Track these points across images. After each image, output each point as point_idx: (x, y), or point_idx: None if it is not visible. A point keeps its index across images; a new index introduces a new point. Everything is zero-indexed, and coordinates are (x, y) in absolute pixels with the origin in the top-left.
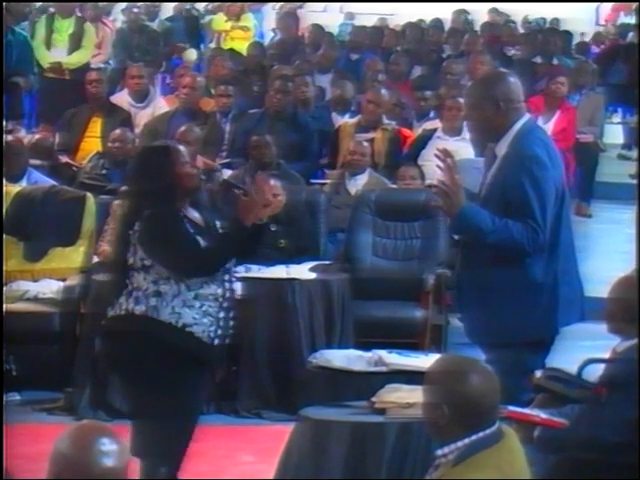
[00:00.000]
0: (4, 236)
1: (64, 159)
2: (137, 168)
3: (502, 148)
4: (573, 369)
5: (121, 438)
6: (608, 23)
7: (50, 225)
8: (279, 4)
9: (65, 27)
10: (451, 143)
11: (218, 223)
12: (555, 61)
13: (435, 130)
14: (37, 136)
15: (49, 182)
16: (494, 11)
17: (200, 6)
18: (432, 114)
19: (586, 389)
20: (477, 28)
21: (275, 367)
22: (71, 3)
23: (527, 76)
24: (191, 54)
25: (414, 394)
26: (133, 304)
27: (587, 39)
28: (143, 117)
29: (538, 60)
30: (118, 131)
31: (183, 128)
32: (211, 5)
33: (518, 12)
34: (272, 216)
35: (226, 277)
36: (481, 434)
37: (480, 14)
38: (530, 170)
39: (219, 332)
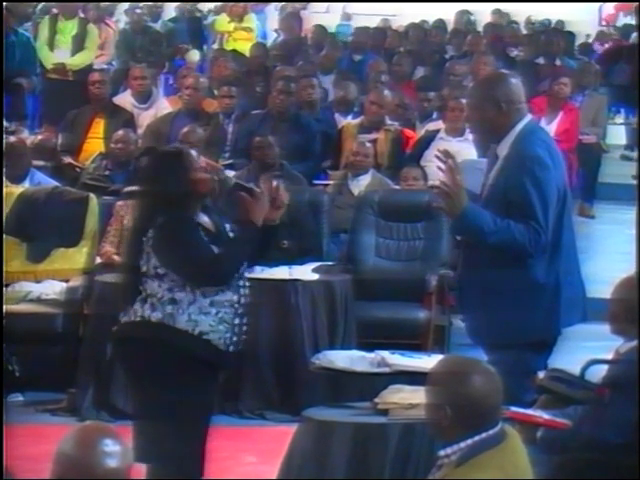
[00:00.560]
0: (7, 237)
1: (67, 160)
2: (151, 173)
3: (504, 149)
4: (576, 370)
5: (124, 439)
6: (608, 23)
7: (53, 226)
8: (281, 4)
9: (68, 28)
10: (454, 144)
11: (227, 226)
12: (558, 62)
13: (438, 131)
14: (40, 137)
15: (52, 183)
16: (497, 12)
17: (203, 7)
18: (435, 115)
19: (589, 390)
20: (480, 29)
21: (278, 368)
22: (74, 4)
23: (530, 77)
24: (194, 55)
25: (417, 395)
26: (149, 311)
27: (590, 40)
28: (146, 118)
29: (541, 61)
30: (121, 132)
31: (186, 129)
32: (214, 6)
33: (521, 13)
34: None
35: (240, 282)
36: (484, 435)
37: (483, 15)
38: (532, 171)
39: (234, 339)
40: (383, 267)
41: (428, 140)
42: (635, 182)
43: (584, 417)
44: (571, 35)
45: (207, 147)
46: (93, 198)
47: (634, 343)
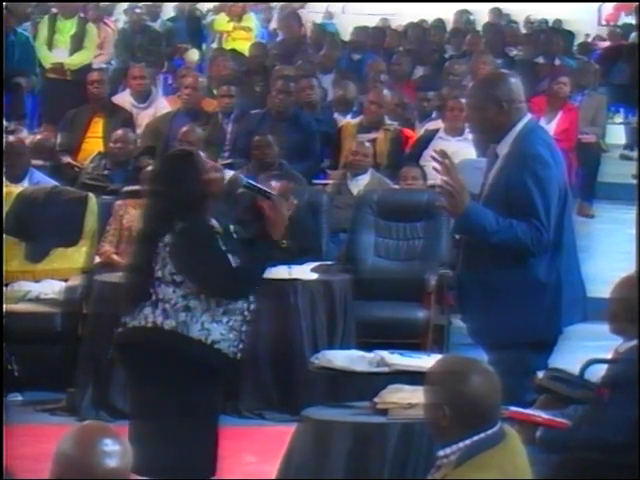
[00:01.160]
0: (6, 237)
1: (66, 159)
2: (162, 176)
3: (504, 148)
4: (575, 369)
5: (123, 439)
6: (609, 23)
7: (52, 225)
8: (279, 4)
9: (67, 28)
10: (453, 143)
11: (232, 227)
12: (557, 61)
13: (437, 130)
14: (39, 136)
15: (51, 182)
16: (496, 11)
17: (202, 6)
18: (434, 114)
19: (588, 389)
20: (479, 28)
21: (277, 368)
22: (73, 3)
23: (529, 76)
24: (193, 54)
25: (416, 395)
26: (162, 318)
27: (590, 39)
28: (145, 117)
29: (540, 60)
30: (120, 131)
31: (185, 128)
32: (213, 5)
33: (520, 12)
34: None
35: None
36: (483, 435)
37: (482, 14)
38: (533, 170)
39: (241, 346)
40: (382, 267)
41: (427, 139)
42: (635, 181)
43: (583, 417)
44: (570, 34)
45: (206, 147)
46: (92, 197)
47: (634, 342)
